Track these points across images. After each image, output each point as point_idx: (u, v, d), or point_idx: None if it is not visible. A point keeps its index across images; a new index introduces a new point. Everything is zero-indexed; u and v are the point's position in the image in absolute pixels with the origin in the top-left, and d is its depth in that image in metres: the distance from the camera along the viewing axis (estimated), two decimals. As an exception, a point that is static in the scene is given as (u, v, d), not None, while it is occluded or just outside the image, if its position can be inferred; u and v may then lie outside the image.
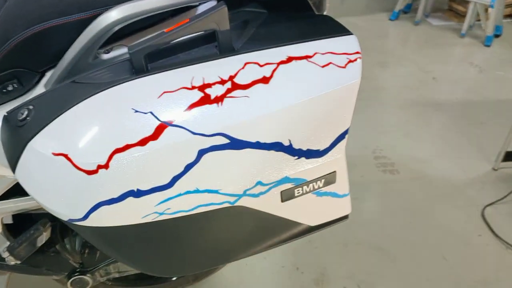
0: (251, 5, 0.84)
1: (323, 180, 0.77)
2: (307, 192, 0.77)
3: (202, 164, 0.66)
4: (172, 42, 0.69)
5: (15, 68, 0.77)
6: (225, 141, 0.66)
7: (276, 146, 0.69)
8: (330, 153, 0.73)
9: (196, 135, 0.65)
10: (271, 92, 0.66)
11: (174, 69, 0.68)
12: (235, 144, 0.67)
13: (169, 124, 0.64)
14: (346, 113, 0.71)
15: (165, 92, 0.65)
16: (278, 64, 0.68)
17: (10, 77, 0.78)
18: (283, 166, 0.72)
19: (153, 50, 0.67)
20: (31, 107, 0.69)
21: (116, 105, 0.65)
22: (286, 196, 0.76)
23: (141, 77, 0.67)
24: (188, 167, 0.66)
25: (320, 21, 0.78)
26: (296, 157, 0.72)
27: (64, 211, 0.68)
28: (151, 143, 0.64)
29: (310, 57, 0.68)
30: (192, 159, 0.66)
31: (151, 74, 0.68)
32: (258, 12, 0.83)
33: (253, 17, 0.81)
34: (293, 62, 0.68)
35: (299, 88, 0.67)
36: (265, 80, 0.67)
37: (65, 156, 0.64)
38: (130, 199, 0.67)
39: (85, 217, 0.68)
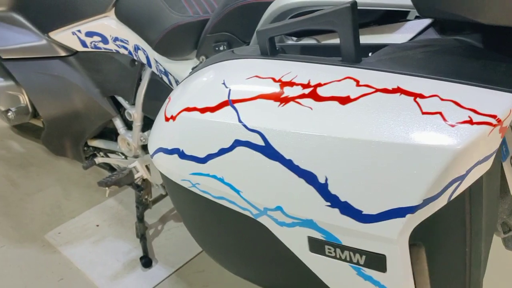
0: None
1: (364, 257, 0.59)
2: (342, 259, 0.61)
3: (233, 155, 0.65)
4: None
5: (227, 32, 0.95)
6: (260, 142, 0.62)
7: (308, 177, 0.58)
8: (376, 225, 0.55)
9: (239, 124, 0.64)
10: (339, 115, 0.57)
11: (288, 61, 0.68)
12: (268, 150, 0.61)
13: (231, 103, 0.66)
14: (419, 183, 0.51)
15: (255, 76, 0.67)
16: (377, 90, 0.57)
17: (223, 38, 0.97)
18: (310, 206, 0.60)
19: (274, 34, 0.69)
20: None
21: (215, 74, 0.72)
22: (314, 247, 0.63)
23: (256, 58, 0.71)
24: (221, 152, 0.67)
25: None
26: (329, 204, 0.58)
27: (149, 146, 0.82)
28: (208, 113, 0.68)
29: (421, 97, 0.54)
30: (227, 145, 0.66)
31: (266, 59, 0.70)
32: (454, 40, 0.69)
33: (439, 43, 0.68)
34: (396, 95, 0.56)
35: (373, 124, 0.55)
36: (344, 100, 0.58)
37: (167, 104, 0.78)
38: (176, 156, 0.73)
39: (152, 155, 0.80)
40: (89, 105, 1.33)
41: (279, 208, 0.62)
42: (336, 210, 0.57)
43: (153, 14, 1.09)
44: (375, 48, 0.70)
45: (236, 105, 0.65)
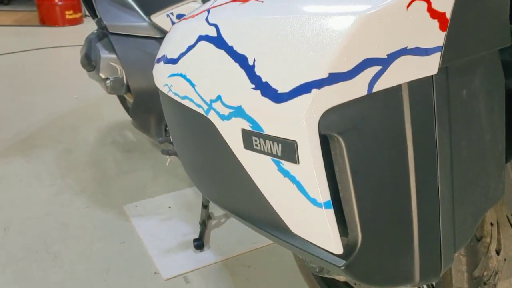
0: None
1: (280, 146, 0.54)
2: (266, 153, 0.56)
3: (195, 50, 0.68)
4: None
5: None
6: (214, 34, 0.64)
7: (242, 60, 0.57)
8: (287, 104, 0.51)
9: (205, 21, 0.67)
10: (280, 2, 0.58)
11: None
12: (218, 41, 0.62)
13: (208, 10, 0.70)
14: (323, 53, 0.48)
15: None
16: None
17: None
18: (240, 90, 0.57)
19: None
20: None
21: None
22: (246, 141, 0.59)
23: None
24: (188, 49, 0.69)
25: None
26: (254, 86, 0.55)
27: None
28: (190, 19, 0.73)
29: None
30: (193, 42, 0.68)
31: None
32: None
33: None
34: None
35: (296, 2, 0.54)
36: None
37: None
38: (162, 63, 0.77)
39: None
40: None
41: (219, 98, 0.61)
42: (258, 92, 0.54)
43: None
44: None
45: (211, 9, 0.68)
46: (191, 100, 0.67)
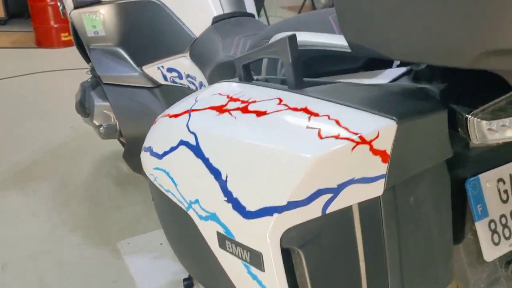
0: None
1: (248, 254, 0.61)
2: (237, 256, 0.64)
3: (177, 152, 0.75)
4: None
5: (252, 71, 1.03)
6: (194, 142, 0.71)
7: (216, 174, 0.65)
8: (254, 222, 0.58)
9: (185, 126, 0.74)
10: (250, 124, 0.66)
11: (251, 85, 0.78)
12: (197, 150, 0.70)
13: (190, 111, 0.78)
14: (284, 185, 0.55)
15: (219, 93, 0.78)
16: (288, 108, 0.65)
17: None
18: (215, 200, 0.65)
19: (244, 62, 0.81)
20: None
21: (201, 91, 0.86)
22: (221, 241, 0.66)
23: (234, 81, 0.83)
24: (171, 149, 0.76)
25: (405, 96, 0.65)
26: (226, 199, 0.63)
27: None
28: (173, 118, 0.80)
29: (315, 115, 0.60)
30: (175, 144, 0.75)
31: (239, 82, 0.82)
32: None
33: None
34: (299, 112, 0.62)
35: (266, 132, 0.62)
36: (261, 114, 0.66)
37: None
38: (148, 153, 0.85)
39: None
40: None
41: (197, 201, 0.68)
42: (230, 205, 0.62)
43: (211, 53, 1.27)
44: None
45: (192, 112, 0.76)
46: (174, 195, 0.74)
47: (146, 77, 1.57)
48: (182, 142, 0.73)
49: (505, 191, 0.78)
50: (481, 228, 0.74)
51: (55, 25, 4.41)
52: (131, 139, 1.57)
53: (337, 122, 0.56)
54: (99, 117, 1.62)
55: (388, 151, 0.55)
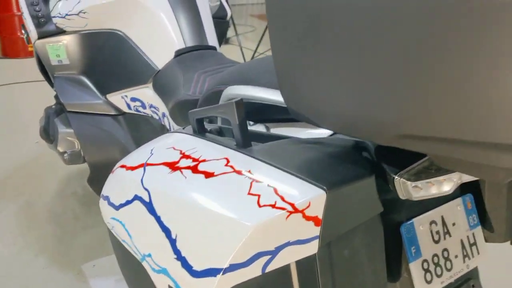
0: None
1: None
2: None
3: (132, 206, 0.79)
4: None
5: None
6: (147, 199, 0.75)
7: (167, 232, 0.70)
8: (200, 281, 0.62)
9: (140, 182, 0.78)
10: (198, 185, 0.70)
11: (203, 139, 0.82)
12: (149, 207, 0.74)
13: (145, 165, 0.81)
14: (225, 249, 0.60)
15: (172, 147, 0.82)
16: (234, 171, 0.69)
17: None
18: (166, 257, 0.69)
19: (197, 117, 0.86)
20: None
21: (154, 143, 0.89)
22: None
23: (187, 134, 0.87)
24: (127, 203, 0.80)
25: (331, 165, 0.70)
26: (176, 257, 0.67)
27: None
28: (129, 171, 0.84)
29: (257, 181, 0.65)
30: (130, 198, 0.79)
31: (193, 135, 0.85)
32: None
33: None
34: (243, 176, 0.67)
35: (212, 195, 0.67)
36: (209, 175, 0.70)
37: None
38: (106, 202, 0.89)
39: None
40: None
41: (150, 255, 0.73)
42: (179, 263, 0.66)
43: (172, 87, 1.31)
44: (279, 138, 0.82)
45: (147, 167, 0.80)
46: (129, 246, 0.79)
47: (110, 105, 1.60)
48: (137, 197, 0.77)
49: (437, 232, 0.85)
50: (415, 268, 0.81)
51: (22, 36, 4.37)
52: (95, 165, 1.60)
53: (275, 190, 0.62)
54: (63, 144, 1.64)
55: (320, 216, 0.61)
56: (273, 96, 0.85)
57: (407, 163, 0.70)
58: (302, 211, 0.59)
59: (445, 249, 0.85)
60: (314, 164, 0.68)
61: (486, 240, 0.95)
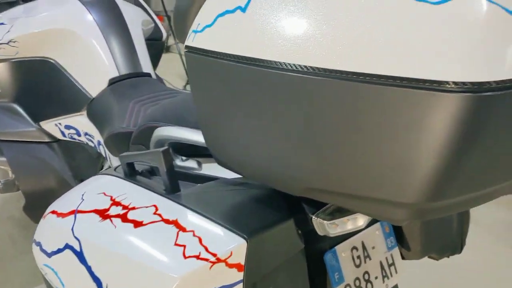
0: None
1: None
2: None
3: (64, 255, 0.80)
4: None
5: (142, 145, 1.11)
6: (78, 248, 0.77)
7: (98, 282, 0.72)
8: None
9: (71, 230, 0.80)
10: (127, 235, 0.73)
11: (133, 183, 0.85)
12: (80, 256, 0.76)
13: (76, 212, 0.82)
14: None
15: (103, 193, 0.83)
16: (162, 220, 0.72)
17: (141, 149, 1.12)
18: None
19: (127, 161, 0.88)
20: None
21: (84, 186, 0.91)
22: None
23: (118, 177, 0.88)
24: (59, 251, 0.81)
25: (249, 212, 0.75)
26: None
27: None
28: (60, 218, 0.84)
29: (184, 230, 0.69)
30: (62, 246, 0.81)
31: (123, 179, 0.87)
32: None
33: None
34: (170, 226, 0.70)
35: (140, 246, 0.70)
36: (138, 224, 0.73)
37: None
38: (38, 248, 0.89)
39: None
40: (61, 185, 1.56)
41: None
42: None
43: (106, 117, 1.32)
44: (208, 178, 0.86)
45: (77, 214, 0.82)
46: None
47: (44, 132, 1.58)
48: (68, 246, 0.79)
49: (358, 257, 0.92)
50: None
51: None
52: (30, 194, 1.58)
53: (200, 240, 0.66)
54: (-4, 173, 1.61)
55: (242, 263, 0.66)
56: (201, 138, 0.89)
57: (323, 202, 0.76)
58: (224, 261, 0.64)
59: (366, 272, 0.93)
60: (237, 210, 0.73)
61: (404, 258, 1.03)
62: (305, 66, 0.51)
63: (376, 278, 0.94)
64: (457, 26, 0.42)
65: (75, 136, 1.51)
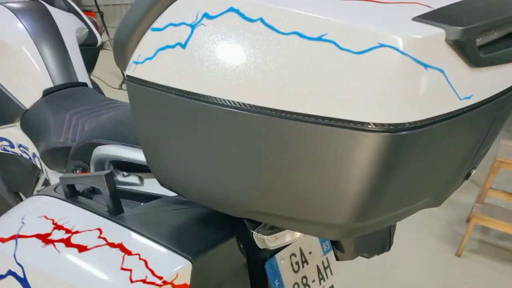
0: None
1: None
2: None
3: (7, 281, 0.80)
4: None
5: (81, 161, 1.11)
6: (21, 275, 0.77)
7: None
8: None
9: (13, 256, 0.79)
10: (72, 260, 0.73)
11: (74, 205, 0.84)
12: (24, 283, 0.76)
13: (16, 237, 0.81)
14: None
15: (44, 216, 0.83)
16: (107, 244, 0.73)
17: (80, 164, 1.12)
18: None
19: (68, 183, 0.87)
20: None
21: (24, 207, 0.89)
22: None
23: (58, 198, 0.87)
24: (1, 277, 0.81)
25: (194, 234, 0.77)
26: None
27: None
28: (1, 243, 0.82)
29: (129, 254, 0.70)
30: (3, 273, 0.80)
31: (64, 200, 0.86)
32: None
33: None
34: (115, 250, 0.72)
35: (89, 274, 0.70)
36: (82, 249, 0.74)
37: None
38: None
39: None
40: None
41: None
42: None
43: (42, 130, 1.30)
44: (152, 196, 0.88)
45: (19, 239, 0.81)
46: None
47: None
48: (11, 273, 0.79)
49: (297, 263, 0.98)
50: None
51: None
52: None
53: (146, 263, 0.69)
54: None
55: (188, 282, 0.69)
56: (142, 156, 0.91)
57: None
58: (171, 283, 0.67)
59: (304, 276, 0.99)
60: (181, 231, 0.76)
61: (338, 259, 1.11)
62: (239, 103, 0.55)
63: (313, 281, 1.01)
64: (376, 74, 0.48)
65: (8, 148, 1.47)
